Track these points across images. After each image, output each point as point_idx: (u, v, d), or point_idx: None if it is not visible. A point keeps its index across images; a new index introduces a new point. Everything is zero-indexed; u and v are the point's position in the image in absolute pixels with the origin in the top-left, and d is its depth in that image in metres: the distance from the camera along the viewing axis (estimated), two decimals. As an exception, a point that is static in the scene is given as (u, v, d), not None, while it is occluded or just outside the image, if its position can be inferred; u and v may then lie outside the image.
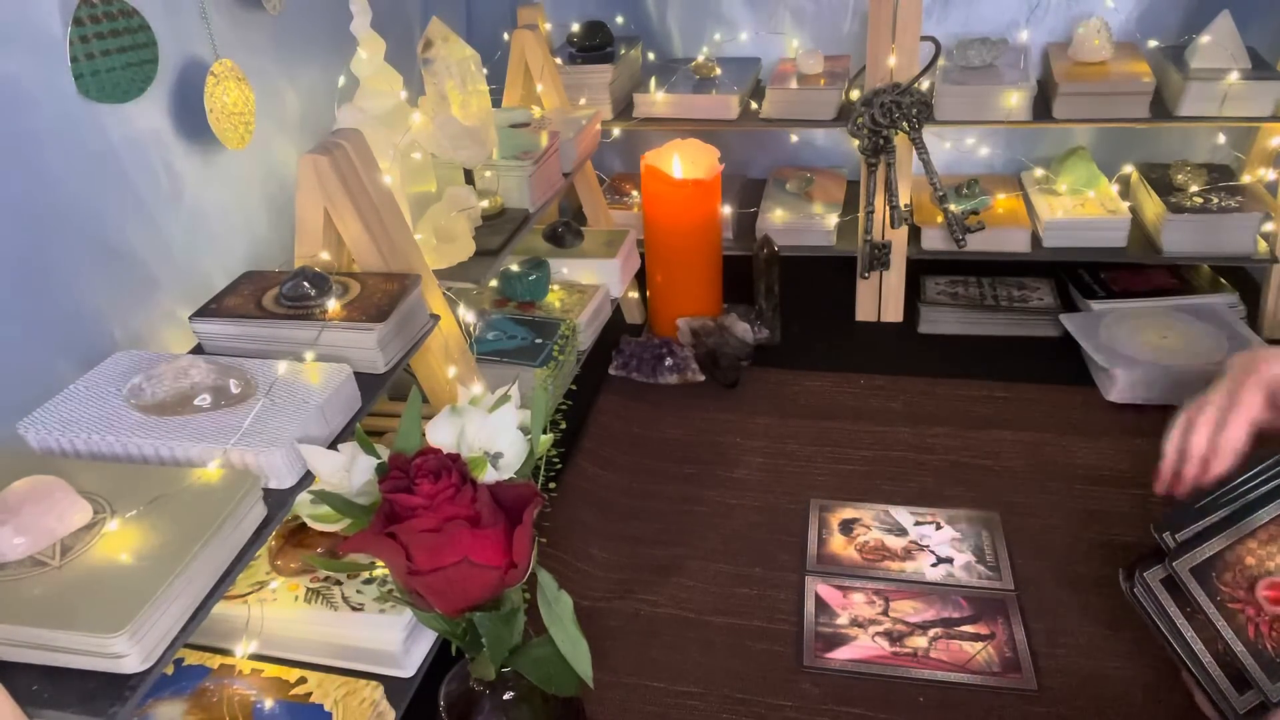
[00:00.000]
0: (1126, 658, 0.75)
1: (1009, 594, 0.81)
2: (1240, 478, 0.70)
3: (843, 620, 0.80)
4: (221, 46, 0.86)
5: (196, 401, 0.67)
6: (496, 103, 1.14)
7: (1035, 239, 1.21)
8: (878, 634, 0.79)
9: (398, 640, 0.71)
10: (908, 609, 0.81)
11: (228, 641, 0.71)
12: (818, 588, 0.84)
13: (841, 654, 0.77)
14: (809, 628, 0.80)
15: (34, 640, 0.52)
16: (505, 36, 1.22)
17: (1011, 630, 0.78)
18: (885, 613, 0.81)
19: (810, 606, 0.82)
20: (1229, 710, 0.65)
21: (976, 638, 0.78)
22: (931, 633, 0.79)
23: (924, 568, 0.84)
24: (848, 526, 0.89)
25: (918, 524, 0.89)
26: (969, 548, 0.86)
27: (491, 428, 0.61)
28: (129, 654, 0.52)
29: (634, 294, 1.27)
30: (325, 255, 0.81)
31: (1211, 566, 0.65)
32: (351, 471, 0.61)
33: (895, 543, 0.87)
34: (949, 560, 0.85)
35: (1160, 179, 1.21)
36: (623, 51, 1.33)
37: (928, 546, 0.86)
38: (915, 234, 1.24)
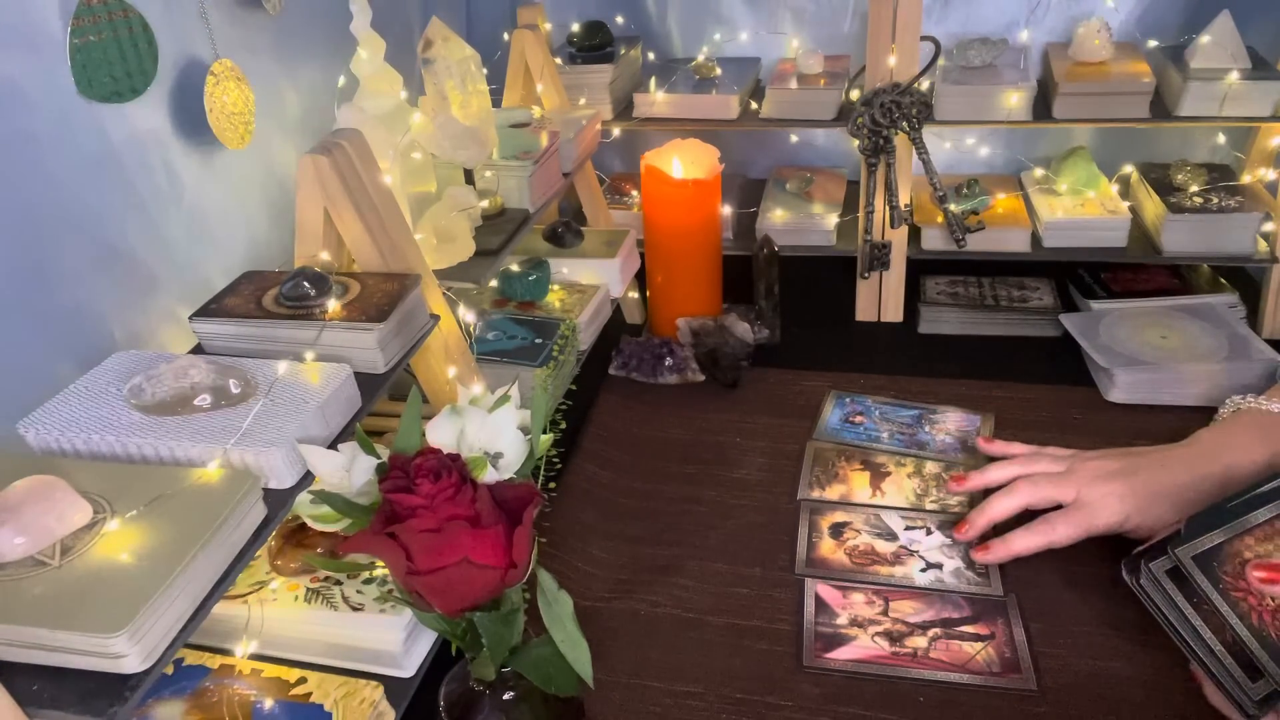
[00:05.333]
0: (1127, 657, 0.75)
1: (1002, 598, 0.81)
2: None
3: (842, 620, 0.80)
4: (221, 46, 0.86)
5: (196, 401, 0.67)
6: (496, 103, 1.14)
7: (1035, 239, 1.21)
8: (877, 634, 0.79)
9: (398, 640, 0.71)
10: (907, 609, 0.81)
11: (228, 641, 0.71)
12: (818, 588, 0.84)
13: (841, 654, 0.77)
14: (809, 628, 0.80)
15: (34, 640, 0.52)
16: (505, 36, 1.22)
17: (1011, 630, 0.78)
18: (885, 613, 0.81)
19: (810, 606, 0.82)
20: (1243, 698, 0.66)
21: (976, 638, 0.78)
22: (931, 633, 0.78)
23: (913, 573, 0.84)
24: (838, 530, 0.89)
25: (908, 529, 0.89)
26: (958, 553, 0.86)
27: (491, 428, 0.61)
28: (129, 654, 0.52)
29: (634, 294, 1.27)
30: (325, 255, 0.81)
31: (1214, 556, 0.67)
32: (351, 471, 0.61)
33: (885, 547, 0.87)
34: (938, 566, 0.84)
35: (1160, 179, 1.21)
36: (623, 51, 1.32)
37: (917, 552, 0.86)
38: (915, 234, 1.24)
